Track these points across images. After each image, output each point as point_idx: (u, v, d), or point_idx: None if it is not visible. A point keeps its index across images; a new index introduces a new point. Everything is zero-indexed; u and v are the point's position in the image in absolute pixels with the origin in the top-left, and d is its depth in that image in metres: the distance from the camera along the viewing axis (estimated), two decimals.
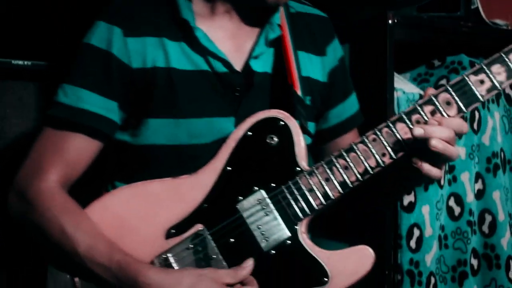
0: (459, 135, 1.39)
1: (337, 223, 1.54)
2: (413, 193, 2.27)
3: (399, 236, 2.26)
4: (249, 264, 1.44)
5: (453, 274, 2.39)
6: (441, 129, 1.36)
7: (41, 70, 2.22)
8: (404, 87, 2.35)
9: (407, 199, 2.27)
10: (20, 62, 2.16)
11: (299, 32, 1.66)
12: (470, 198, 2.39)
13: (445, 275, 2.38)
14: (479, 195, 2.44)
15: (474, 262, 2.42)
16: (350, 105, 1.77)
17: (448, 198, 2.38)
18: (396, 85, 2.23)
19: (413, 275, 2.27)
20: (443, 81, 2.48)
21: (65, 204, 1.50)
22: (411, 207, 2.27)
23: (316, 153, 1.76)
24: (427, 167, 1.39)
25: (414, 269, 2.27)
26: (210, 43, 1.54)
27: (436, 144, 1.34)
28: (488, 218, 2.43)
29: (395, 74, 2.26)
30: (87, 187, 1.60)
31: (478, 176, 2.44)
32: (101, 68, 1.53)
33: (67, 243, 1.45)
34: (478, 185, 2.44)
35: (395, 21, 2.28)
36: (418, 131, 1.36)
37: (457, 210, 2.38)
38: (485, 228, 2.44)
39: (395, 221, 2.28)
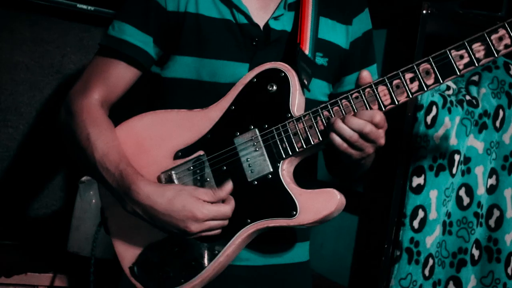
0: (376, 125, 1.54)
1: (348, 195, 1.66)
2: (423, 176, 2.37)
3: (403, 215, 2.37)
4: (227, 187, 1.62)
5: (452, 260, 2.47)
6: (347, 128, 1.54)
7: (103, 16, 2.47)
8: None
9: (416, 181, 2.37)
10: (84, 7, 2.42)
11: (328, 2, 1.84)
12: (481, 191, 2.47)
13: (444, 259, 2.46)
14: (491, 190, 2.51)
15: (475, 252, 2.49)
16: None
17: (459, 188, 2.46)
18: None
19: (412, 253, 2.37)
20: (475, 77, 2.55)
21: (96, 118, 1.73)
22: (419, 189, 2.37)
23: None
24: None
25: (414, 248, 2.37)
26: None
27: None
28: (496, 213, 2.50)
29: None
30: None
31: (492, 172, 2.51)
32: (142, 8, 1.79)
33: (88, 148, 1.68)
34: (492, 181, 2.51)
35: (429, 11, 2.37)
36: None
37: (466, 200, 2.46)
38: (492, 222, 2.51)
39: (401, 200, 2.39)
